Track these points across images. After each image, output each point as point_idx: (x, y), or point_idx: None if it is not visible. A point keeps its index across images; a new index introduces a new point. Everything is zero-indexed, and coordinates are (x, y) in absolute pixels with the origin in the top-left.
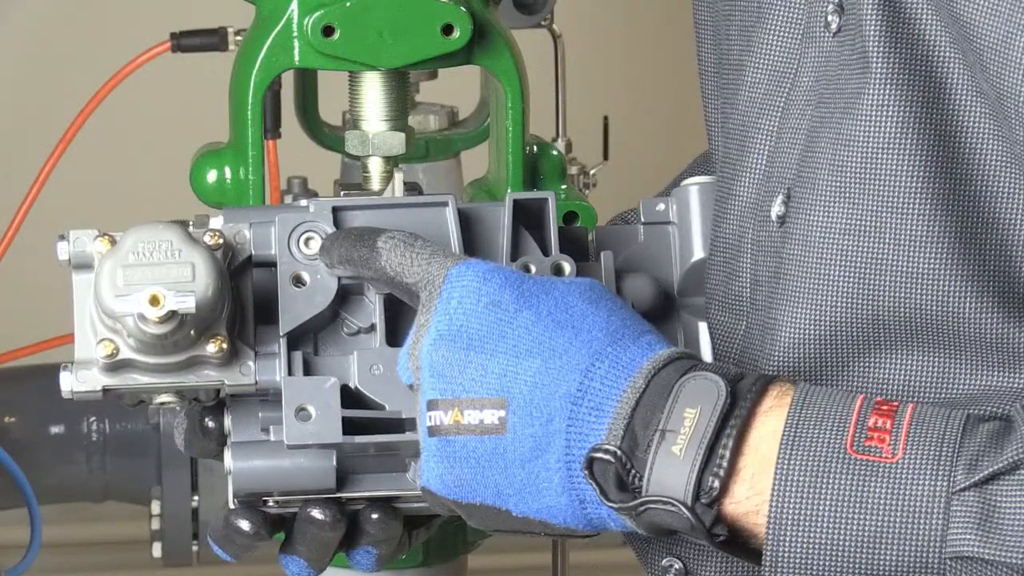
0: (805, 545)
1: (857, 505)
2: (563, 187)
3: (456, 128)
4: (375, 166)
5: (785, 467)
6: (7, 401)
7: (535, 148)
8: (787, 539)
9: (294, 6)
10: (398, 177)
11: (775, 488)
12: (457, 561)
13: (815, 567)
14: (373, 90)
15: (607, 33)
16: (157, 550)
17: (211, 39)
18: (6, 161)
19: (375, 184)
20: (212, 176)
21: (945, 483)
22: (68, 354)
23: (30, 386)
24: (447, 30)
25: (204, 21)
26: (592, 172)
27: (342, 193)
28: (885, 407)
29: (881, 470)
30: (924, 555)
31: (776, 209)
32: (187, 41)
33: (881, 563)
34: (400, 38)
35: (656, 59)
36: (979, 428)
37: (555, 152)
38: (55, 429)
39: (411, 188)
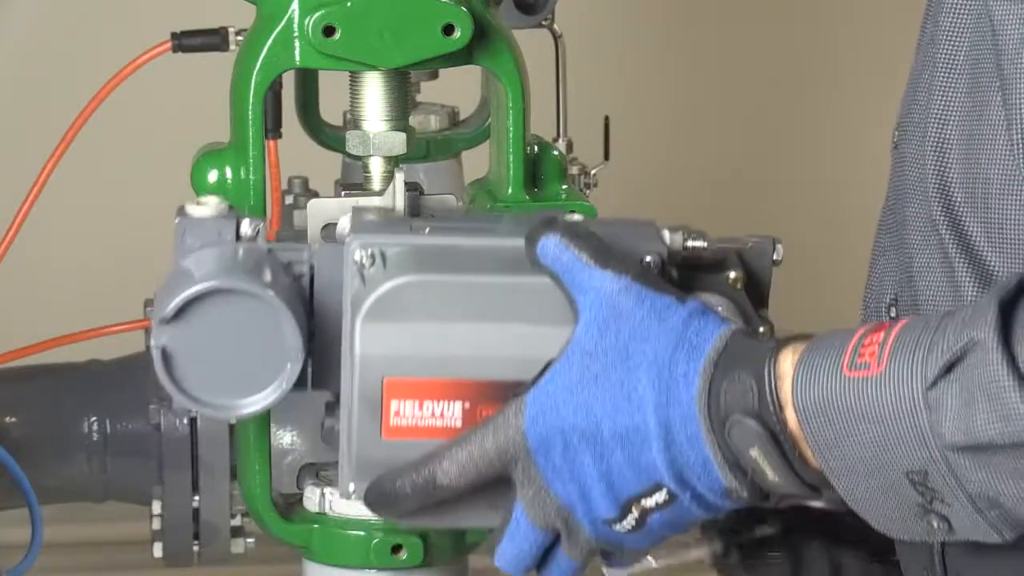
0: (838, 468)
1: (859, 421)
2: (563, 187)
3: (457, 128)
4: (376, 166)
5: (801, 401)
6: (7, 401)
7: (536, 148)
8: (826, 465)
9: (295, 6)
10: (399, 177)
11: (799, 423)
12: (458, 561)
13: (857, 485)
14: (374, 90)
15: (607, 33)
16: (158, 550)
17: (212, 39)
18: (6, 161)
19: (376, 184)
20: (213, 176)
21: (920, 383)
22: (68, 354)
23: (30, 386)
24: (448, 30)
25: (205, 21)
26: (592, 172)
27: (343, 193)
28: (885, 325)
29: (869, 384)
30: (929, 452)
31: None
32: (188, 41)
33: (901, 466)
34: (401, 38)
35: (656, 59)
36: (948, 322)
37: (556, 152)
38: (55, 429)
39: (412, 188)
